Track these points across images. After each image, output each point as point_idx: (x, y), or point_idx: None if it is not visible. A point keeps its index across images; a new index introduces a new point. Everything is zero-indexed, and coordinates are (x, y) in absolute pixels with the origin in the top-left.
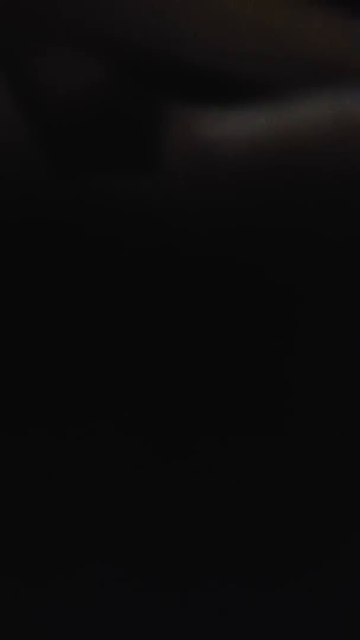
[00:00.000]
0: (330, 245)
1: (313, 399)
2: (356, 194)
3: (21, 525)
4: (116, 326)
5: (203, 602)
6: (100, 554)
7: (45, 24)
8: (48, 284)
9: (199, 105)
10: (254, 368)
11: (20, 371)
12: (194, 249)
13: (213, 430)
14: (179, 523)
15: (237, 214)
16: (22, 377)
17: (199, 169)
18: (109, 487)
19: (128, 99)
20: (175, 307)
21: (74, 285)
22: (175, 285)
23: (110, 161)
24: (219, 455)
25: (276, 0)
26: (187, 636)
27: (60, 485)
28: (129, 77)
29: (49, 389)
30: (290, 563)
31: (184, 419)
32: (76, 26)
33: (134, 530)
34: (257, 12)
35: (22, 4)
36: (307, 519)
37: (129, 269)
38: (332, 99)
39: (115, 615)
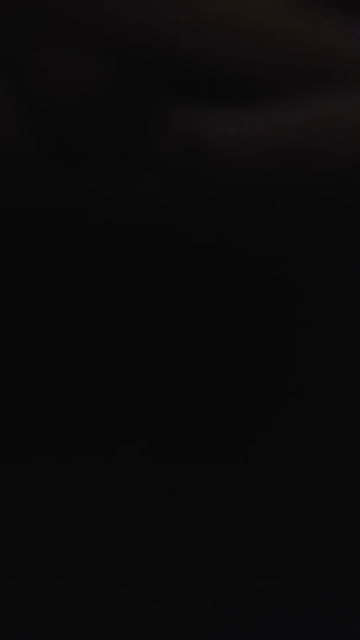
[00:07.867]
0: (333, 244)
1: (316, 401)
2: (358, 195)
3: (20, 546)
4: (117, 327)
5: (200, 618)
6: (100, 572)
7: (46, 24)
8: (48, 283)
9: (199, 105)
10: (254, 366)
11: (17, 371)
12: (193, 248)
13: (213, 433)
14: (179, 532)
15: (237, 214)
16: (18, 376)
17: (199, 169)
18: (106, 497)
19: (128, 99)
20: (177, 305)
21: (75, 283)
22: (173, 285)
23: (110, 161)
24: (218, 462)
25: (276, 1)
26: None
27: (58, 498)
28: (129, 77)
29: (44, 383)
30: (289, 575)
31: (186, 420)
32: (76, 26)
33: (133, 543)
34: (257, 12)
35: (23, 4)
36: (307, 525)
37: (128, 268)
38: (333, 99)
39: (114, 632)
